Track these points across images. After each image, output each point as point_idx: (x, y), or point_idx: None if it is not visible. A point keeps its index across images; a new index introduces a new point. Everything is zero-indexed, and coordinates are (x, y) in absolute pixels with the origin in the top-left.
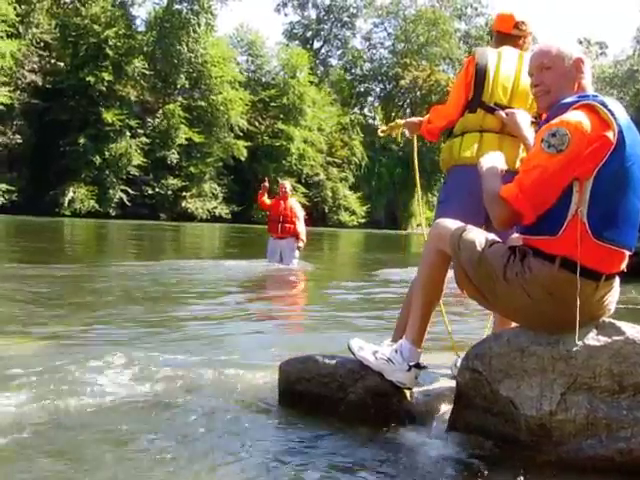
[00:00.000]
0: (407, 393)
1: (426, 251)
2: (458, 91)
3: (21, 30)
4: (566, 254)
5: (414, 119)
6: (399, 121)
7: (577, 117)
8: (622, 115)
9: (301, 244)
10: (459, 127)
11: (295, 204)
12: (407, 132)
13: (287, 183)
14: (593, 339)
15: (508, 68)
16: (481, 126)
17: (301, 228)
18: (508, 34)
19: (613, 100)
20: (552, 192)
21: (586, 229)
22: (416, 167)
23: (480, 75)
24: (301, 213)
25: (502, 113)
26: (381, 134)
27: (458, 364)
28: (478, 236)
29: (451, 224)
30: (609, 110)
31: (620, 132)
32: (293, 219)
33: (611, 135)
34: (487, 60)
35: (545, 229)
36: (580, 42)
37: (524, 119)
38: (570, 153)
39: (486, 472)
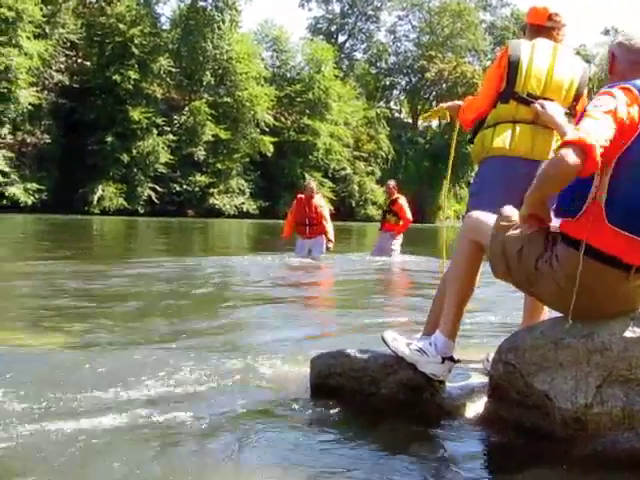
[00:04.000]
0: (439, 387)
1: (460, 243)
2: (489, 83)
3: (47, 30)
4: (585, 238)
5: (456, 102)
6: (442, 105)
7: (615, 90)
8: None
9: (330, 245)
10: (491, 118)
11: (320, 202)
12: (448, 116)
13: (313, 182)
14: (629, 331)
15: (542, 59)
16: (514, 117)
17: (329, 228)
18: (542, 26)
19: None
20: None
21: (603, 215)
22: (452, 152)
23: (513, 66)
24: (327, 212)
25: (537, 104)
26: (423, 120)
27: (490, 359)
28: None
29: (487, 217)
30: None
31: None
32: (320, 220)
33: (636, 114)
34: (520, 51)
35: (568, 211)
36: (607, 31)
37: (557, 110)
38: (616, 111)
39: (520, 466)
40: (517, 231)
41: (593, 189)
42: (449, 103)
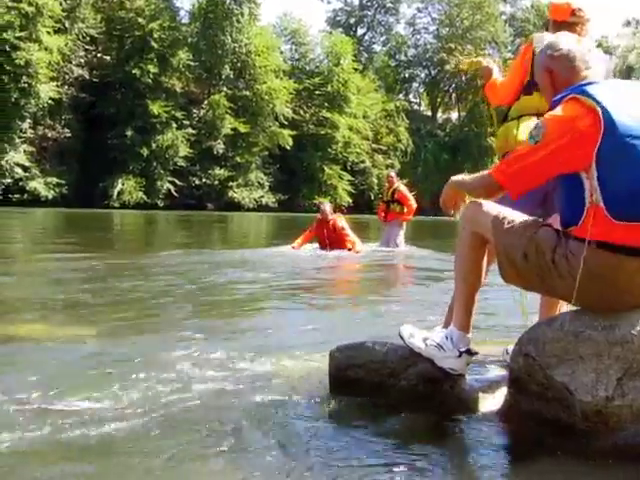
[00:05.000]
0: (459, 379)
1: (461, 235)
2: (512, 75)
3: (67, 25)
4: (596, 239)
5: (492, 68)
6: (481, 60)
7: (556, 110)
8: (611, 95)
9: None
10: (515, 111)
11: (341, 223)
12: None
13: (327, 205)
14: None
15: None
16: (538, 109)
17: (353, 239)
18: (565, 22)
19: (605, 82)
20: (533, 179)
21: (604, 213)
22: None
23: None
24: (347, 225)
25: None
26: (462, 66)
27: (509, 351)
28: (524, 219)
29: (488, 207)
30: (589, 96)
31: (606, 112)
32: (342, 237)
33: (593, 119)
34: (544, 43)
35: (570, 221)
36: (628, 22)
37: None
38: (546, 143)
39: (540, 459)
40: (518, 235)
41: (587, 195)
42: (487, 64)
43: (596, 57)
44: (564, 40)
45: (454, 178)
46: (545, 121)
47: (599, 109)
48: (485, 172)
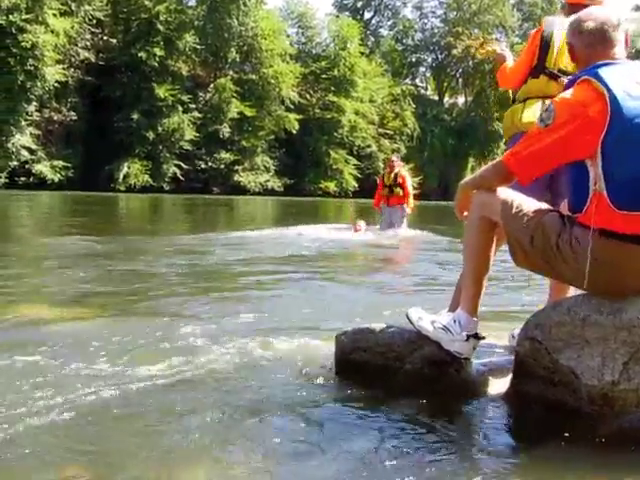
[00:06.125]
0: (465, 362)
1: (470, 220)
2: (521, 59)
3: (73, 8)
4: (598, 226)
5: (506, 55)
6: (497, 48)
7: (567, 93)
8: (621, 81)
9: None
10: (522, 93)
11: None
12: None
13: (362, 222)
14: None
15: None
16: (544, 92)
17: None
18: (579, 4)
19: (621, 66)
20: (542, 164)
21: (607, 202)
22: None
23: (545, 41)
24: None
25: (565, 79)
26: (479, 54)
27: (515, 335)
28: (532, 203)
29: (497, 191)
30: (601, 80)
31: (614, 99)
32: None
33: (603, 105)
34: (554, 27)
35: (575, 207)
36: (638, 7)
37: None
38: (555, 127)
39: (546, 441)
40: (525, 220)
41: (592, 181)
42: (501, 51)
43: (621, 35)
44: (591, 15)
45: (462, 182)
46: (555, 104)
47: (607, 95)
48: (495, 161)
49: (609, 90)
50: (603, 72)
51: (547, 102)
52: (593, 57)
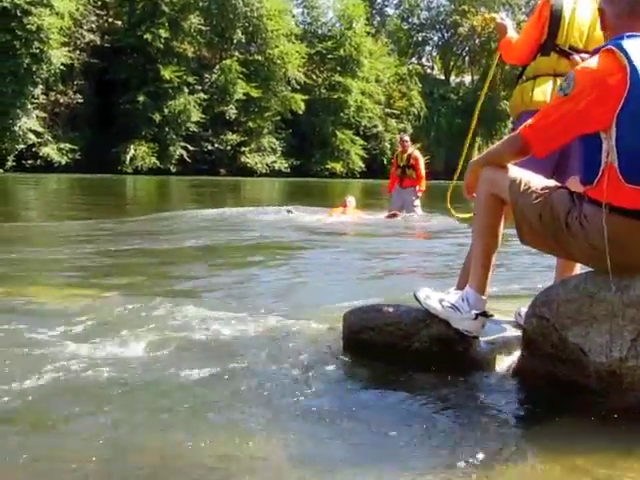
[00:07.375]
0: (473, 340)
1: (479, 197)
2: (528, 33)
3: None
4: (607, 201)
5: (506, 25)
6: (495, 16)
7: (588, 62)
8: None
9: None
10: (530, 70)
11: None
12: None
13: (352, 198)
14: None
15: (585, 12)
16: (554, 70)
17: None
18: None
19: None
20: (560, 135)
21: (618, 176)
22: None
23: (555, 17)
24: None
25: (577, 57)
26: (476, 21)
27: (522, 312)
28: (541, 180)
29: (506, 168)
30: (624, 51)
31: (634, 71)
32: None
33: (623, 76)
34: (563, 3)
35: (586, 179)
36: None
37: None
38: (574, 96)
39: (554, 418)
40: (534, 197)
41: (604, 154)
42: (500, 20)
43: None
44: None
45: (472, 160)
46: (576, 72)
47: (628, 67)
48: (510, 135)
49: (630, 62)
50: (626, 43)
51: (559, 81)
52: (620, 27)
